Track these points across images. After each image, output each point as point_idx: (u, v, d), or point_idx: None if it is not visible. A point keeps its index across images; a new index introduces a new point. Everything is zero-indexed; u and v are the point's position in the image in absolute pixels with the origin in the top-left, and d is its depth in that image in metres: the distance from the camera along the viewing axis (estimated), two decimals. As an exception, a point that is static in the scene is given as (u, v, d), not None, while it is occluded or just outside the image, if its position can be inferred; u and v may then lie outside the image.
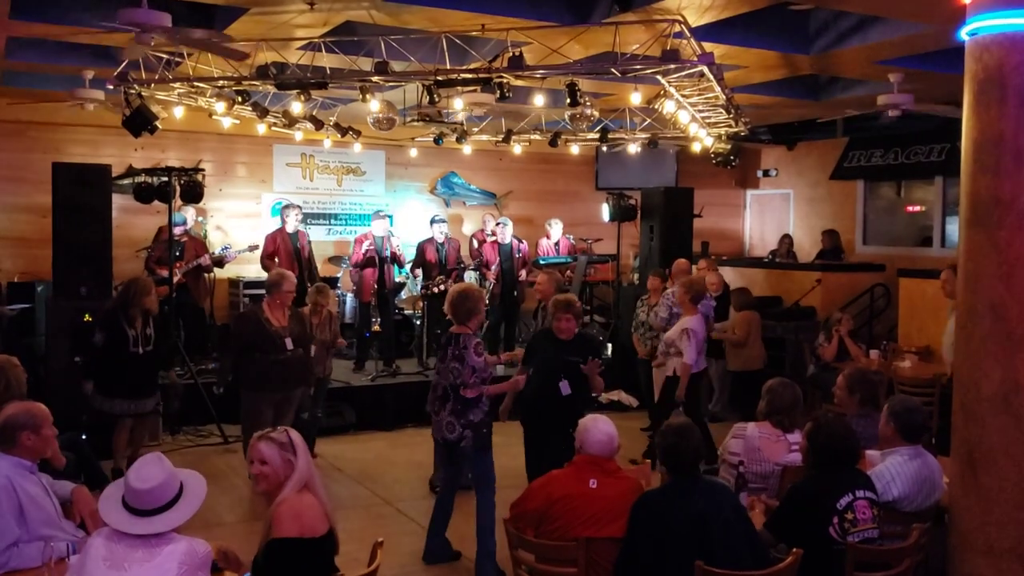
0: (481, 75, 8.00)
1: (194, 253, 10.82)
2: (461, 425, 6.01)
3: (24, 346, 9.76)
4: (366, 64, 8.40)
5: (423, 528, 6.74)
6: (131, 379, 7.67)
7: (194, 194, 10.27)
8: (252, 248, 11.26)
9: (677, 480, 4.23)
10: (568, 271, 12.32)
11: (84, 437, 6.58)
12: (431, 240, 11.82)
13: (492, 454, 6.19)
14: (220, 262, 11.21)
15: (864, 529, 4.26)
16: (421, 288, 11.53)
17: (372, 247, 11.24)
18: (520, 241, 12.25)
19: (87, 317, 8.45)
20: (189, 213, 11.33)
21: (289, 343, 7.50)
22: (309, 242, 11.31)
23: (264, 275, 10.38)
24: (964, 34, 4.62)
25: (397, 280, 12.01)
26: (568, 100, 8.32)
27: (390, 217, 13.34)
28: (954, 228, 12.74)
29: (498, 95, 8.06)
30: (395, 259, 11.48)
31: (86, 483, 5.02)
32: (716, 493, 4.27)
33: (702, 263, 11.09)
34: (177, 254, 10.53)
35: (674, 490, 4.22)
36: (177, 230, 10.63)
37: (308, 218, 11.81)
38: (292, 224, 11.05)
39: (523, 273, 12.08)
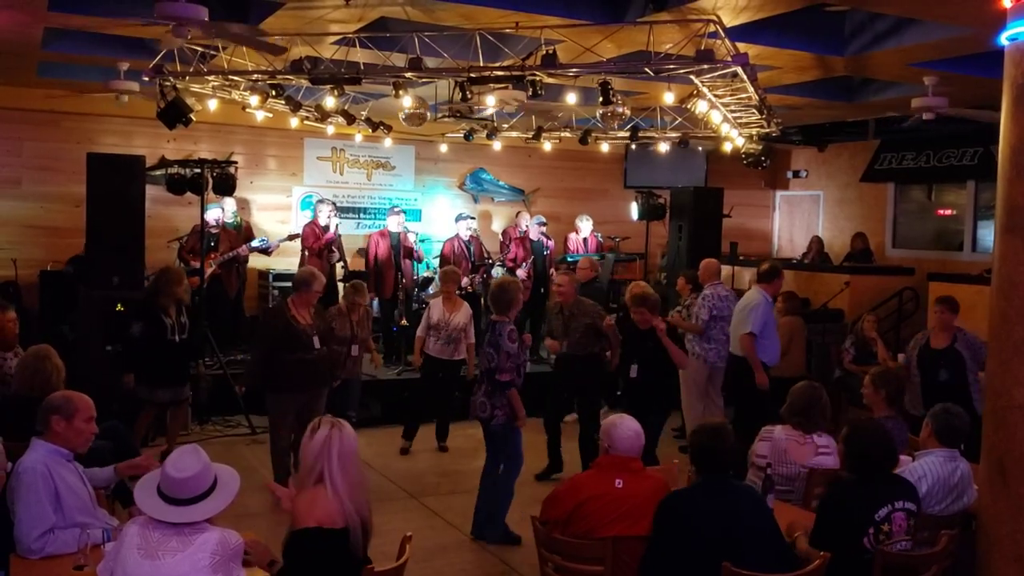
0: (514, 73, 8.01)
1: (228, 245, 10.92)
2: (492, 405, 6.40)
3: (56, 335, 9.85)
4: (399, 60, 8.42)
5: (447, 523, 6.92)
6: (170, 367, 7.76)
7: (227, 186, 10.35)
8: (292, 237, 11.34)
9: (706, 480, 4.23)
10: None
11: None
12: (456, 237, 11.83)
13: (521, 433, 6.60)
14: (266, 251, 11.31)
15: (898, 540, 4.24)
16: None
17: (386, 246, 11.26)
18: (548, 238, 12.24)
19: (119, 307, 8.56)
20: (228, 205, 11.37)
21: (316, 342, 7.28)
22: (339, 236, 11.38)
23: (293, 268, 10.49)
24: (1004, 39, 4.55)
25: (423, 275, 12.03)
26: (601, 99, 8.32)
27: (412, 212, 13.43)
28: (985, 233, 12.64)
29: (531, 93, 8.07)
30: (409, 254, 11.49)
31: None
32: (744, 495, 4.27)
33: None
34: (212, 245, 10.62)
35: (703, 490, 4.21)
36: (211, 220, 10.72)
37: (337, 212, 11.88)
38: (324, 219, 11.22)
39: (552, 271, 12.07)
